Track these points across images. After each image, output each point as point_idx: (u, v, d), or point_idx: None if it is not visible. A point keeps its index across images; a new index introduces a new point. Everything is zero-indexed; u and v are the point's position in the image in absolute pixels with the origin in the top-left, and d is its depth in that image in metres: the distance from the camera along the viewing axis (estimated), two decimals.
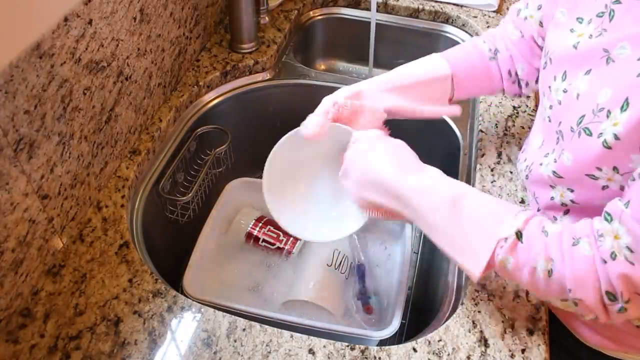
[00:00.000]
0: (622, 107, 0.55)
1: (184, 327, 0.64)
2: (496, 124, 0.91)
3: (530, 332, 0.65)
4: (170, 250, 0.90)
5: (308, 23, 1.24)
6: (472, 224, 0.59)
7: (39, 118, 0.61)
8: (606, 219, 0.55)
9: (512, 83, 0.80)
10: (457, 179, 0.87)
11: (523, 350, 0.63)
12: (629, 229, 0.52)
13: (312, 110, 1.10)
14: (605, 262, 0.54)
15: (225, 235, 0.90)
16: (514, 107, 0.95)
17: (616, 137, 0.56)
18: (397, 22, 1.22)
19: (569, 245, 0.56)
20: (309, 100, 1.08)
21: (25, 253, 0.63)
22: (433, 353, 0.62)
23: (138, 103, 0.82)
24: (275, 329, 0.65)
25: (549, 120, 0.68)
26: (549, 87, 0.67)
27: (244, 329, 0.64)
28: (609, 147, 0.56)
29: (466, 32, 1.18)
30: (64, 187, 0.68)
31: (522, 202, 0.79)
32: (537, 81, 0.78)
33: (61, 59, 0.63)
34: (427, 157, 1.07)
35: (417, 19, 1.22)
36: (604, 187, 0.60)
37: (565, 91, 0.64)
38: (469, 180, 0.85)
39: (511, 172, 0.83)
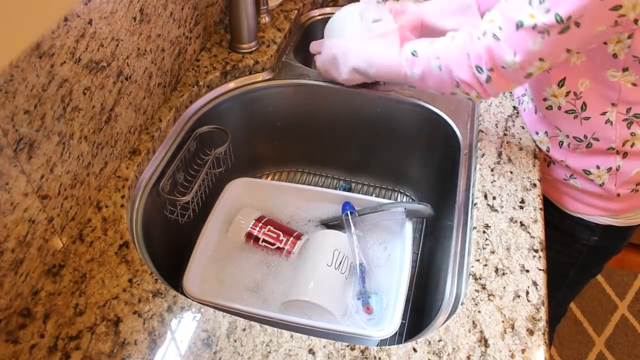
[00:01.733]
0: None
1: (184, 327, 0.64)
2: (496, 124, 0.91)
3: (530, 332, 0.65)
4: (170, 250, 0.90)
5: (308, 23, 1.24)
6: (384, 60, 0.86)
7: (38, 118, 0.61)
8: (489, 12, 0.73)
9: None
10: (457, 179, 0.87)
11: (523, 350, 0.63)
12: (503, 14, 0.69)
13: (312, 110, 1.10)
14: (478, 40, 0.73)
15: (225, 235, 0.90)
16: (514, 107, 0.95)
17: None
18: None
19: (449, 41, 0.77)
20: (309, 100, 1.08)
21: (25, 253, 0.63)
22: (433, 353, 0.62)
23: (138, 103, 0.82)
24: (275, 329, 0.65)
25: None
26: None
27: (244, 329, 0.64)
28: None
29: None
30: (64, 187, 0.68)
31: (522, 202, 0.79)
32: None
33: (61, 59, 0.63)
34: (427, 157, 1.08)
35: None
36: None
37: None
38: (469, 181, 0.85)
39: (511, 172, 0.83)
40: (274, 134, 1.12)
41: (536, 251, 0.73)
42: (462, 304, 0.68)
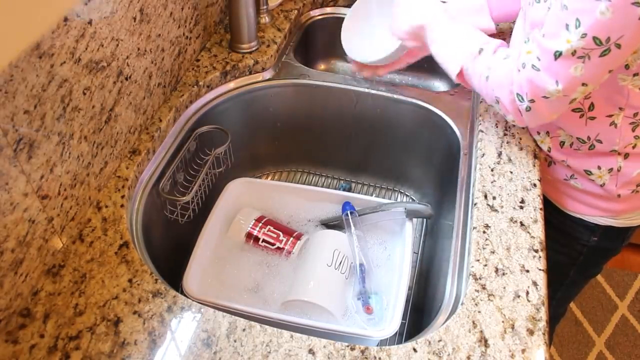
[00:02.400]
0: None
1: (184, 327, 0.64)
2: (496, 124, 0.91)
3: (530, 332, 0.65)
4: (170, 250, 0.90)
5: (308, 23, 1.24)
6: (457, 44, 0.84)
7: (38, 118, 0.61)
8: (525, 42, 0.74)
9: None
10: (457, 179, 0.87)
11: (523, 350, 0.63)
12: (539, 44, 0.70)
13: (312, 110, 1.10)
14: (519, 70, 0.73)
15: (225, 235, 0.90)
16: None
17: None
18: None
19: (501, 59, 0.78)
20: (309, 100, 1.08)
21: (25, 253, 0.63)
22: (433, 353, 0.62)
23: (138, 103, 0.82)
24: (275, 329, 0.64)
25: None
26: None
27: (244, 329, 0.64)
28: None
29: None
30: (64, 187, 0.68)
31: (523, 202, 0.79)
32: None
33: (61, 59, 0.63)
34: (427, 156, 1.08)
35: None
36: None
37: None
38: (469, 180, 0.85)
39: (511, 172, 0.83)
40: (274, 134, 1.12)
41: (536, 251, 0.73)
42: (462, 304, 0.68)
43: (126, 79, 0.78)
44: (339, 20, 1.25)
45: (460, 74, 0.83)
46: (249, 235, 0.89)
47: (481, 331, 0.65)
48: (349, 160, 1.15)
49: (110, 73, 0.73)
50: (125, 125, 0.80)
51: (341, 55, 1.33)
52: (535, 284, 0.70)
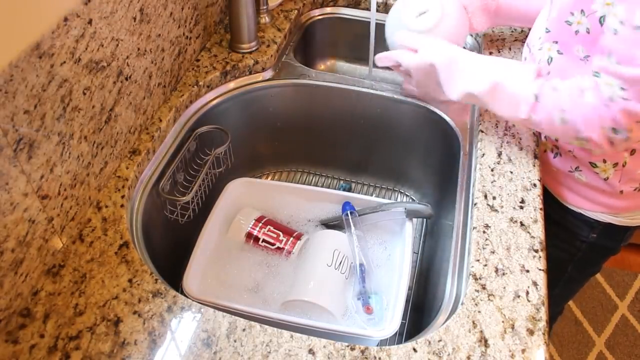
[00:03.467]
0: None
1: (184, 327, 0.64)
2: (496, 124, 0.91)
3: (530, 332, 0.65)
4: (170, 250, 0.90)
5: (308, 23, 1.24)
6: (505, 97, 0.79)
7: (38, 118, 0.61)
8: (596, 76, 0.70)
9: None
10: (457, 179, 0.87)
11: (523, 350, 0.63)
12: (616, 74, 0.67)
13: (312, 110, 1.10)
14: (607, 105, 0.69)
15: (225, 235, 0.90)
16: None
17: None
18: None
19: (578, 97, 0.73)
20: (309, 100, 1.08)
21: (25, 253, 0.63)
22: (433, 353, 0.62)
23: (138, 103, 0.82)
24: (275, 329, 0.64)
25: None
26: None
27: (244, 329, 0.64)
28: None
29: None
30: (64, 187, 0.68)
31: (523, 202, 0.79)
32: None
33: (61, 59, 0.63)
34: (427, 157, 1.08)
35: None
36: (576, 32, 0.76)
37: None
38: (469, 180, 0.85)
39: (511, 172, 0.83)
40: (274, 134, 1.12)
41: (536, 251, 0.73)
42: (462, 304, 0.68)
43: (126, 79, 0.78)
44: (339, 21, 1.26)
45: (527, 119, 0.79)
46: (249, 235, 0.89)
47: (481, 331, 0.65)
48: (349, 160, 1.15)
49: (110, 73, 0.73)
50: (125, 125, 0.80)
51: (341, 55, 1.33)
52: (535, 284, 0.70)
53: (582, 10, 0.74)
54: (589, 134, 0.73)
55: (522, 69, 0.80)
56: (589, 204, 0.91)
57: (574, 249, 0.98)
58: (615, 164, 0.84)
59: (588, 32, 0.74)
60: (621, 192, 0.86)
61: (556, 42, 0.81)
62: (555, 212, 0.94)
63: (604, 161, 0.84)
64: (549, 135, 0.82)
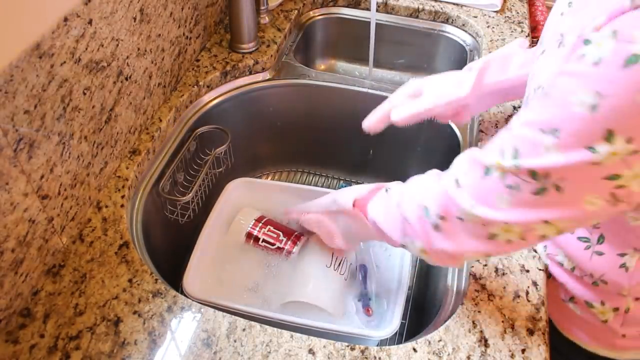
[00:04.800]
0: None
1: (184, 327, 0.64)
2: (496, 124, 0.91)
3: (530, 332, 0.65)
4: (170, 250, 0.90)
5: (308, 23, 1.24)
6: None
7: (38, 118, 0.61)
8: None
9: None
10: None
11: (523, 350, 0.63)
12: (469, 157, 0.56)
13: (312, 110, 1.10)
14: (440, 181, 0.59)
15: (225, 235, 0.90)
16: (514, 107, 0.95)
17: None
18: (397, 22, 1.22)
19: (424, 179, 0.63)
20: (309, 100, 1.08)
21: (25, 253, 0.63)
22: (433, 353, 0.62)
23: (138, 103, 0.82)
24: (275, 329, 0.64)
25: None
26: None
27: (244, 329, 0.64)
28: None
29: (466, 32, 1.18)
30: (64, 187, 0.68)
31: None
32: None
33: (61, 59, 0.63)
34: (427, 157, 1.07)
35: (417, 19, 1.22)
36: None
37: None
38: None
39: None
40: (274, 134, 1.12)
41: (536, 251, 0.73)
42: (462, 303, 0.68)
43: (126, 79, 0.78)
44: (339, 21, 1.26)
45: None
46: (249, 235, 0.89)
47: (481, 331, 0.65)
48: (349, 160, 1.15)
49: (110, 73, 0.73)
50: (125, 125, 0.80)
51: (341, 55, 1.33)
52: (535, 284, 0.70)
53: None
54: (407, 215, 0.60)
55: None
56: (586, 337, 0.75)
57: None
58: (616, 309, 0.69)
59: None
60: (623, 335, 0.71)
61: None
62: (565, 348, 0.77)
63: (602, 304, 0.69)
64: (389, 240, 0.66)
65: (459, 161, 0.58)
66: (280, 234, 0.89)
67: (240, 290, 0.85)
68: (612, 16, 0.44)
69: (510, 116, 0.93)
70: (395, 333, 0.73)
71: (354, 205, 0.70)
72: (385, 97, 1.03)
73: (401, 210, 0.61)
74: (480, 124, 0.91)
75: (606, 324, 0.71)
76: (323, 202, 0.79)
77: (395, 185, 0.67)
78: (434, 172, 0.63)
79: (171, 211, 0.87)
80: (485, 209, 0.52)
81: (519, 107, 0.94)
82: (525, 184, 0.49)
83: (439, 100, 0.77)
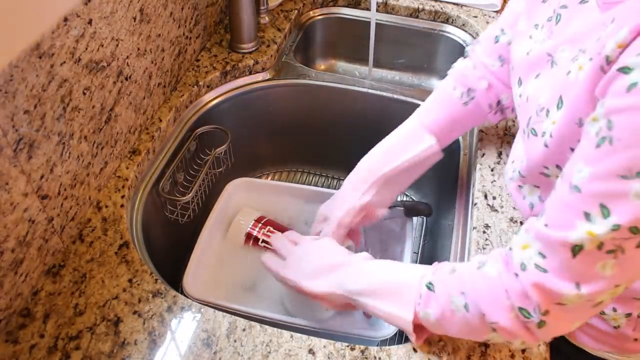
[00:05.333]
0: (558, 105, 0.57)
1: (184, 327, 0.64)
2: (496, 124, 0.91)
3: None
4: (170, 250, 0.90)
5: (308, 23, 1.24)
6: (391, 294, 0.61)
7: (38, 118, 0.61)
8: (515, 233, 0.56)
9: (495, 113, 0.80)
10: (457, 179, 0.87)
11: (523, 351, 0.63)
12: (537, 235, 0.51)
13: (312, 110, 1.10)
14: (517, 275, 0.52)
15: (225, 235, 0.90)
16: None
17: (551, 135, 0.57)
18: (397, 22, 1.22)
19: (474, 270, 0.56)
20: (309, 100, 1.08)
21: (25, 253, 0.63)
22: (433, 353, 0.62)
23: (138, 103, 0.82)
24: (275, 329, 0.64)
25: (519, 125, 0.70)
26: (514, 93, 0.69)
27: (244, 329, 0.64)
28: (547, 146, 0.58)
29: (466, 32, 1.18)
30: (64, 187, 0.68)
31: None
32: None
33: (61, 59, 0.63)
34: None
35: (417, 18, 1.22)
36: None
37: (520, 96, 0.66)
38: (469, 180, 0.85)
39: None
40: (274, 134, 1.12)
41: None
42: None
43: (126, 79, 0.78)
44: (339, 21, 1.26)
45: (419, 328, 0.61)
46: (248, 236, 0.89)
47: None
48: (349, 160, 1.15)
49: (110, 73, 0.73)
50: (125, 125, 0.80)
51: (341, 55, 1.33)
52: None
53: (557, 166, 0.61)
54: (494, 318, 0.53)
55: (410, 266, 0.66)
56: (594, 342, 0.72)
57: None
58: (629, 315, 0.67)
59: None
60: (635, 339, 0.69)
61: (537, 186, 0.68)
62: (568, 350, 0.76)
63: (614, 310, 0.67)
64: (462, 337, 0.63)
65: (525, 241, 0.52)
66: (280, 234, 0.89)
67: (240, 290, 0.85)
68: (637, 30, 0.44)
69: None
70: (395, 333, 0.73)
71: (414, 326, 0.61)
72: (385, 97, 1.03)
73: (478, 315, 0.55)
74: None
75: (618, 329, 0.69)
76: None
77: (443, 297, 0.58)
78: (494, 262, 0.56)
79: (171, 211, 0.87)
80: (590, 285, 0.48)
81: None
82: (627, 242, 0.46)
83: (343, 217, 0.78)
